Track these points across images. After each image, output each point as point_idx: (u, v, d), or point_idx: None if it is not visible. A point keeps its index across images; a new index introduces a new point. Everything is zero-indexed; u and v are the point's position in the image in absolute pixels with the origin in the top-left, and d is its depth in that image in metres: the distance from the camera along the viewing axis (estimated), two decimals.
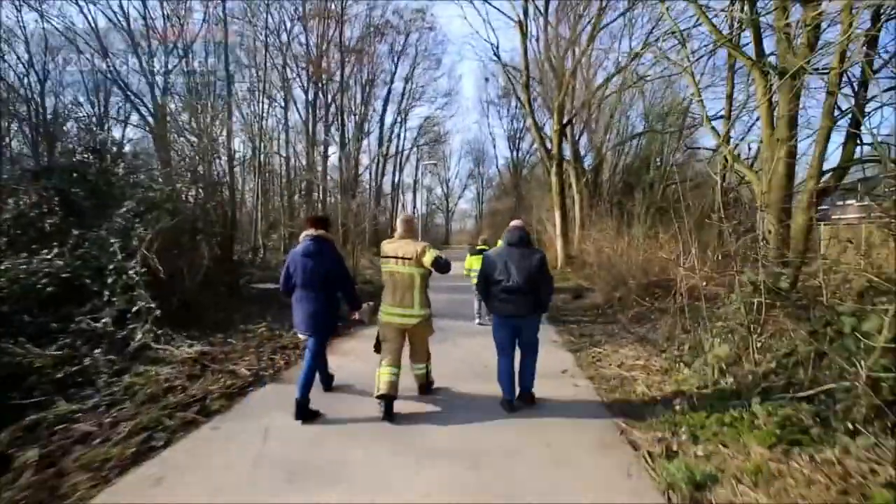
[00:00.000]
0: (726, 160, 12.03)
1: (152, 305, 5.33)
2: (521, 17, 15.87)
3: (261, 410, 3.62)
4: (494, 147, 60.93)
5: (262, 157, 19.78)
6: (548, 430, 3.30)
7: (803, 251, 7.17)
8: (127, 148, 16.92)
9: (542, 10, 16.46)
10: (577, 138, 19.00)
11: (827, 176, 7.92)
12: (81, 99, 18.63)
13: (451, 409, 3.73)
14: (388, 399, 3.52)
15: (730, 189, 13.56)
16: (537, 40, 17.35)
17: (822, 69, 7.37)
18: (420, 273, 3.61)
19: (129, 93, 15.70)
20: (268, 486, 2.55)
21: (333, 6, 19.20)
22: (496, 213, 33.72)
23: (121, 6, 14.87)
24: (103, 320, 5.02)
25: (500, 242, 7.99)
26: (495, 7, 22.81)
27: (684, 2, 9.01)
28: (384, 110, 26.60)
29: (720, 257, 4.49)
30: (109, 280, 5.54)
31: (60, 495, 2.40)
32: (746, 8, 7.82)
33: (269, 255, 16.02)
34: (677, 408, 3.37)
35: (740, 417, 3.13)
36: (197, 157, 11.94)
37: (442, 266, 3.59)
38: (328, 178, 21.06)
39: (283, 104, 21.11)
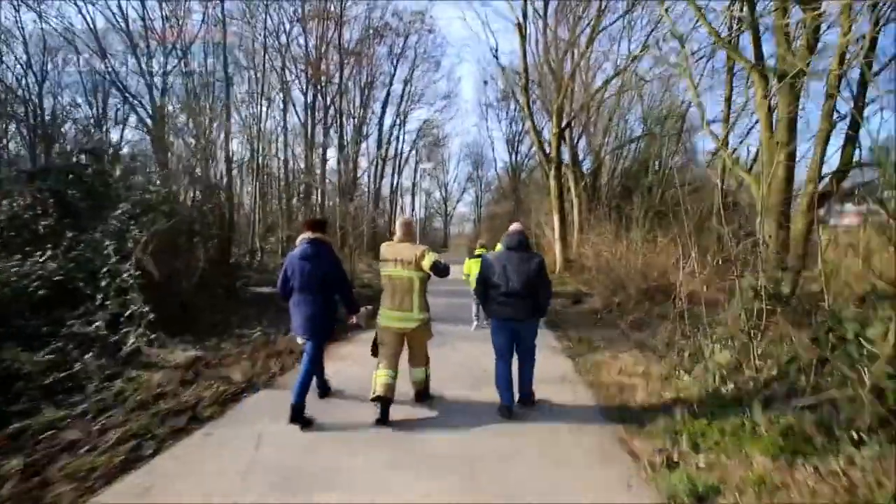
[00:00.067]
0: (725, 164, 12.04)
1: (146, 309, 5.27)
2: (521, 19, 15.85)
3: (254, 417, 3.55)
4: (493, 150, 60.87)
5: (260, 159, 19.77)
6: (546, 439, 3.23)
7: (803, 256, 7.15)
8: (125, 150, 16.91)
9: (541, 12, 16.47)
10: (575, 142, 18.98)
11: (826, 179, 7.90)
12: (80, 100, 18.62)
13: (447, 415, 3.66)
14: (383, 402, 3.49)
15: (728, 193, 13.56)
16: (536, 43, 17.37)
17: (822, 72, 7.36)
18: (419, 277, 3.59)
19: (127, 94, 15.65)
20: (260, 494, 2.49)
21: (333, 8, 19.23)
22: (495, 216, 33.66)
23: (119, 7, 14.83)
24: (96, 324, 4.95)
25: (498, 246, 7.97)
26: (494, 9, 22.73)
27: (683, 2, 8.96)
28: (383, 113, 26.55)
29: (721, 262, 4.44)
30: (103, 283, 5.48)
31: None
32: (745, 9, 7.81)
33: (266, 258, 15.95)
34: (678, 416, 3.31)
35: (742, 426, 3.08)
36: (194, 159, 11.90)
37: (441, 270, 3.58)
38: (327, 180, 21.03)
39: (281, 106, 21.09)
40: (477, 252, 7.80)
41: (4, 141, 15.37)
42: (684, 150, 18.19)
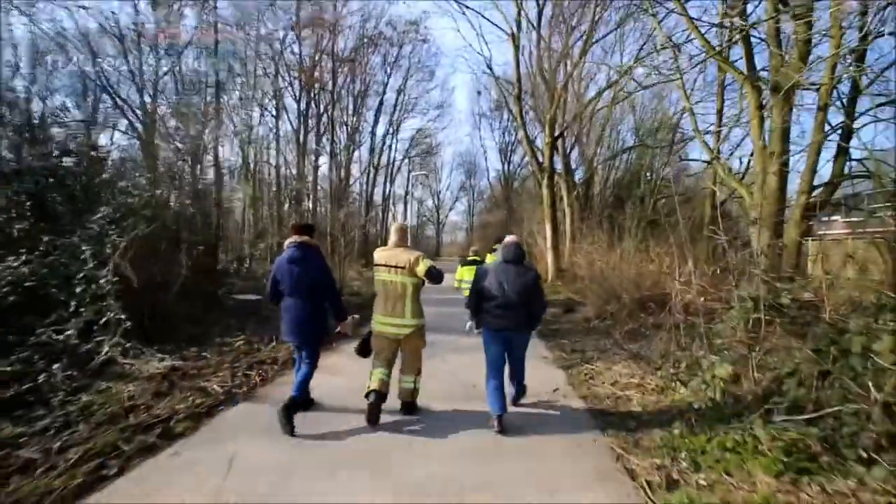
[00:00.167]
0: (716, 175, 12.06)
1: (122, 317, 5.04)
2: (514, 30, 15.92)
3: (229, 434, 3.34)
4: (486, 159, 61.15)
5: (251, 165, 19.57)
6: (539, 458, 3.06)
7: (796, 266, 7.09)
8: (115, 154, 16.59)
9: (534, 23, 16.56)
10: (568, 151, 19.02)
11: (818, 191, 7.90)
12: (70, 104, 18.30)
13: (435, 432, 3.48)
14: (377, 396, 3.50)
15: (719, 203, 13.60)
16: (530, 54, 17.45)
17: (814, 84, 7.38)
18: (413, 282, 3.58)
19: (117, 98, 15.38)
20: None
21: (327, 16, 19.19)
22: (487, 225, 33.67)
23: (112, 11, 14.65)
24: (67, 332, 4.72)
25: (490, 256, 7.85)
26: (488, 20, 22.86)
27: (677, 15, 9.00)
28: (376, 121, 26.50)
29: (718, 271, 4.33)
30: (78, 289, 5.25)
31: None
32: (737, 20, 7.84)
33: (255, 265, 15.67)
34: (676, 431, 3.17)
35: (743, 442, 2.93)
36: (183, 163, 11.69)
37: (435, 276, 3.57)
38: (319, 188, 20.84)
39: (274, 113, 20.95)
40: (470, 258, 7.69)
41: None
42: (678, 160, 18.29)
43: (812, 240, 8.89)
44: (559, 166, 17.49)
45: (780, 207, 7.35)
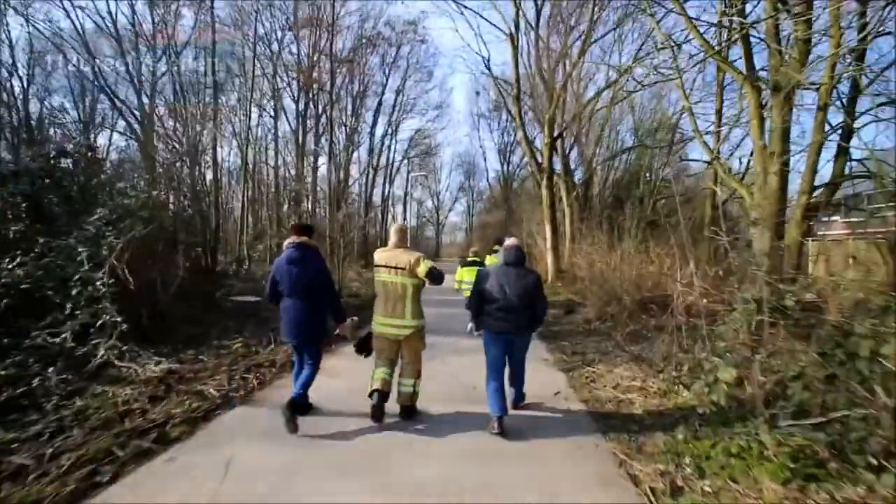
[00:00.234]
0: (716, 175, 12.03)
1: (118, 319, 4.99)
2: (513, 30, 15.89)
3: (225, 438, 3.28)
4: (485, 160, 61.19)
5: (250, 166, 19.52)
6: (540, 463, 3.01)
7: (797, 266, 7.06)
8: (113, 155, 16.53)
9: (533, 23, 16.53)
10: (567, 152, 18.98)
11: (819, 191, 7.87)
12: (68, 104, 18.24)
13: (436, 435, 3.44)
14: (379, 396, 3.54)
15: (720, 204, 13.55)
16: (528, 54, 17.42)
17: (814, 84, 7.35)
18: (413, 283, 3.58)
19: (115, 99, 15.30)
20: None
21: (325, 17, 19.14)
22: (486, 226, 33.62)
23: (109, 11, 14.58)
24: (62, 335, 4.67)
25: (489, 258, 7.79)
26: (487, 20, 22.84)
27: (676, 14, 8.96)
28: (374, 122, 26.47)
29: (721, 273, 4.29)
30: (74, 292, 5.20)
31: None
32: (736, 19, 7.81)
33: (254, 266, 15.61)
34: (679, 436, 3.12)
35: (748, 447, 2.88)
36: (181, 164, 11.64)
37: (436, 277, 3.57)
38: (318, 189, 20.78)
39: (272, 114, 20.91)
40: (470, 259, 7.65)
41: None
42: (679, 160, 18.27)
43: (812, 240, 8.88)
44: (558, 167, 17.46)
45: (781, 208, 7.32)
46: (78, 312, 5.02)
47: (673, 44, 9.44)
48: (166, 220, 7.76)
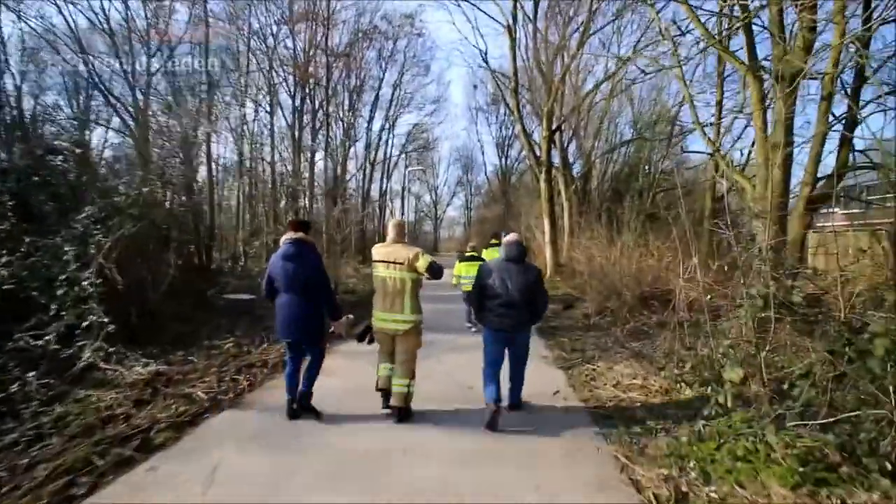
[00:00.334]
0: (717, 167, 11.88)
1: (105, 320, 4.85)
2: (510, 22, 15.65)
3: (212, 444, 3.16)
4: (483, 154, 60.82)
5: (247, 162, 19.31)
6: (540, 467, 2.90)
7: (799, 259, 6.93)
8: (108, 152, 16.31)
9: (530, 15, 16.29)
10: (566, 145, 18.82)
11: (821, 182, 7.73)
12: (62, 102, 17.98)
13: (433, 436, 3.34)
14: (385, 394, 3.70)
15: (720, 197, 13.42)
16: (526, 47, 17.20)
17: (818, 73, 7.19)
18: (412, 278, 3.58)
19: (109, 96, 15.04)
20: None
21: (320, 11, 18.87)
22: (484, 220, 33.48)
23: (102, 7, 14.30)
24: (46, 337, 4.52)
25: (486, 251, 7.67)
26: (484, 12, 22.50)
27: (676, 3, 8.77)
28: (372, 116, 26.22)
29: (726, 267, 4.15)
30: (59, 292, 5.06)
31: None
32: (738, 8, 7.64)
33: (250, 262, 15.46)
34: (683, 439, 3.00)
35: (754, 450, 2.77)
36: (175, 160, 11.47)
37: (436, 271, 3.59)
38: (315, 184, 20.59)
39: (268, 109, 20.66)
40: (468, 254, 7.53)
41: None
42: (680, 152, 18.11)
43: (813, 232, 8.75)
44: (557, 160, 17.31)
45: (784, 200, 7.18)
46: (63, 313, 4.89)
47: (673, 35, 9.27)
48: (159, 218, 7.60)
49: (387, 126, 27.88)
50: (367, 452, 3.07)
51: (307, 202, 19.37)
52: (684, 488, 2.54)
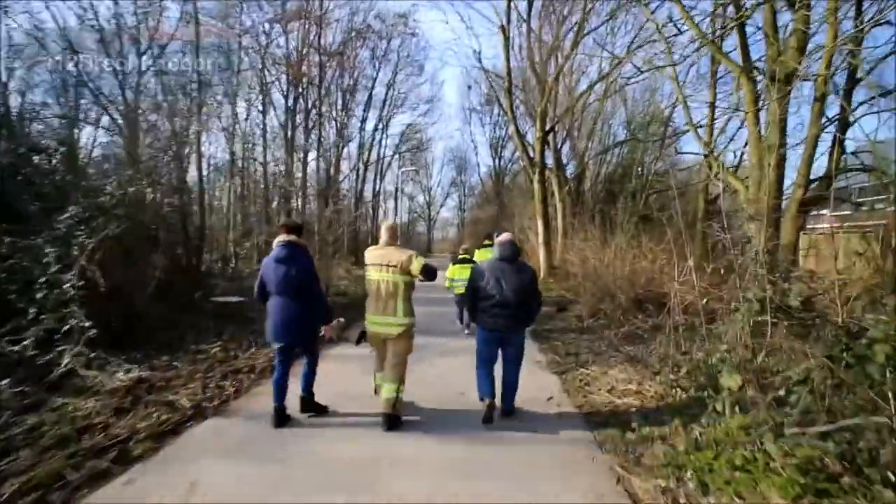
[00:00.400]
0: (710, 168, 11.89)
1: (86, 324, 4.69)
2: (504, 21, 15.58)
3: (193, 455, 3.03)
4: (477, 155, 60.38)
5: (239, 162, 19.08)
6: (533, 478, 2.81)
7: (793, 262, 6.92)
8: (97, 152, 16.01)
9: (524, 15, 16.23)
10: (559, 146, 18.79)
11: (814, 184, 7.73)
12: (50, 100, 17.63)
13: (423, 445, 3.24)
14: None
15: (713, 198, 13.44)
16: (520, 47, 17.15)
17: (812, 75, 7.20)
18: (405, 281, 3.56)
19: (98, 94, 14.75)
20: None
21: (313, 10, 18.71)
22: (478, 221, 33.41)
23: (90, 3, 14.04)
24: (24, 342, 4.37)
25: (479, 252, 7.59)
26: (478, 11, 22.43)
27: (670, 3, 8.75)
28: (365, 116, 26.05)
29: (722, 270, 4.10)
30: (39, 295, 4.90)
31: None
32: (731, 9, 7.63)
33: (241, 264, 15.25)
34: (680, 447, 2.93)
35: (753, 459, 2.70)
36: (164, 158, 11.27)
37: (430, 273, 3.59)
38: (308, 184, 20.40)
39: (261, 108, 20.46)
40: (461, 257, 7.44)
41: None
42: (674, 152, 18.15)
43: (803, 233, 8.75)
44: (550, 161, 17.26)
45: (778, 202, 7.17)
46: (43, 317, 4.73)
47: (666, 37, 9.25)
48: (146, 218, 7.43)
49: (380, 126, 27.73)
50: (354, 463, 2.97)
51: (300, 203, 19.19)
52: (682, 500, 2.47)
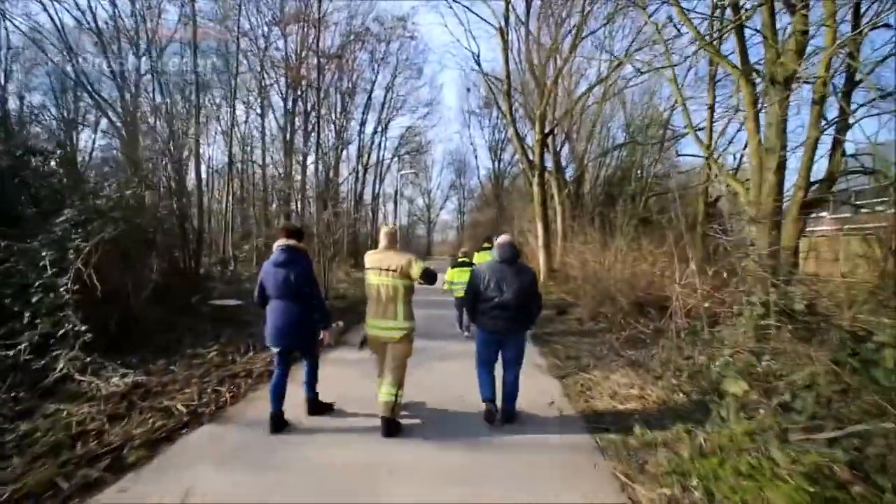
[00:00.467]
0: (710, 170, 11.86)
1: (81, 328, 4.64)
2: (502, 24, 15.59)
3: (188, 462, 2.97)
4: (476, 157, 60.59)
5: (238, 165, 19.06)
6: (534, 486, 2.76)
7: (794, 265, 6.87)
8: (97, 154, 15.99)
9: (523, 18, 16.25)
10: (558, 148, 18.77)
11: (814, 187, 7.70)
12: (49, 103, 17.61)
13: (421, 453, 3.18)
14: None
15: (713, 201, 13.41)
16: (518, 50, 17.15)
17: (811, 77, 7.18)
18: (404, 285, 3.55)
19: (96, 97, 14.73)
20: None
21: (311, 13, 18.72)
22: (477, 224, 33.35)
23: (89, 6, 14.03)
24: (18, 347, 4.31)
25: (478, 255, 7.55)
26: (476, 14, 22.39)
27: (668, 6, 8.74)
28: (364, 119, 26.06)
29: (725, 273, 4.06)
30: (34, 299, 4.84)
31: None
32: (729, 11, 7.61)
33: (240, 267, 15.20)
34: (684, 454, 2.88)
35: (759, 465, 2.65)
36: (164, 162, 11.23)
37: (430, 277, 3.60)
38: (307, 187, 20.36)
39: (259, 111, 20.47)
40: (460, 259, 7.40)
41: None
42: (673, 155, 18.13)
43: (803, 236, 8.71)
44: (550, 164, 17.23)
45: (778, 204, 7.13)
46: (38, 321, 4.67)
47: (665, 39, 9.24)
48: (145, 221, 7.38)
49: (379, 129, 27.74)
50: (352, 469, 2.91)
51: (299, 206, 19.15)
52: None
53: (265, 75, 19.35)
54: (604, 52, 15.52)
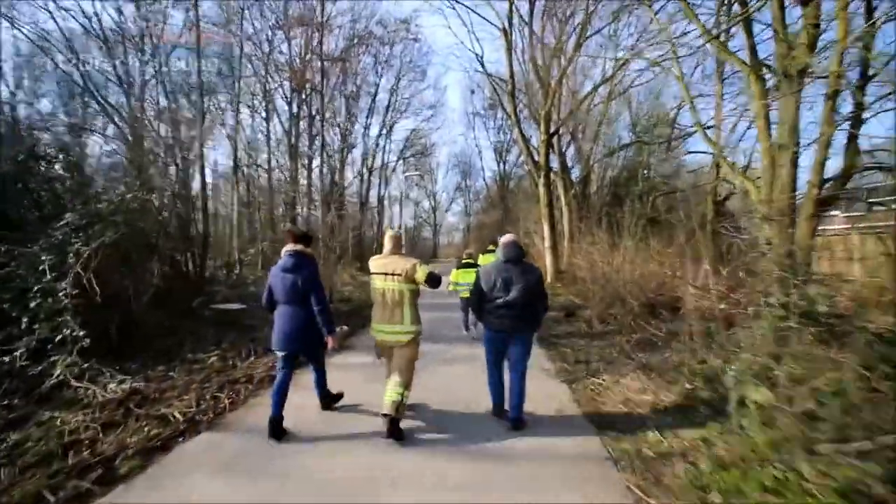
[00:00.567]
0: (719, 168, 11.66)
1: (79, 333, 4.56)
2: (506, 25, 15.49)
3: (183, 473, 2.86)
4: (481, 159, 60.67)
5: (243, 169, 19.08)
6: (542, 498, 2.61)
7: (808, 264, 6.67)
8: (104, 160, 16.07)
9: (526, 18, 16.12)
10: (564, 149, 18.61)
11: (828, 184, 7.50)
12: (54, 107, 17.71)
13: (425, 461, 3.05)
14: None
15: (723, 200, 13.18)
16: (522, 51, 17.02)
17: (824, 72, 6.99)
18: (410, 289, 3.56)
19: (103, 102, 14.78)
20: None
21: (315, 17, 18.73)
22: (483, 226, 33.20)
23: (95, 12, 14.11)
24: (15, 353, 4.23)
25: (483, 257, 7.43)
26: (480, 15, 22.20)
27: (674, 2, 8.58)
28: (368, 122, 26.04)
29: (742, 273, 3.89)
30: (32, 304, 4.78)
31: None
32: (736, 6, 7.45)
33: (245, 270, 15.16)
34: (703, 465, 2.72)
35: (785, 479, 2.48)
36: (169, 166, 11.23)
37: (435, 281, 3.58)
38: (313, 189, 20.34)
39: (264, 115, 20.49)
40: (464, 261, 7.29)
41: None
42: (681, 154, 17.90)
43: (817, 235, 8.49)
44: (555, 164, 17.07)
45: (792, 203, 6.94)
46: (36, 326, 4.61)
47: (672, 37, 9.08)
48: (148, 225, 7.32)
49: (384, 132, 27.71)
50: (353, 480, 2.79)
51: (304, 209, 19.12)
52: None
53: (269, 79, 19.38)
54: (608, 52, 15.34)
